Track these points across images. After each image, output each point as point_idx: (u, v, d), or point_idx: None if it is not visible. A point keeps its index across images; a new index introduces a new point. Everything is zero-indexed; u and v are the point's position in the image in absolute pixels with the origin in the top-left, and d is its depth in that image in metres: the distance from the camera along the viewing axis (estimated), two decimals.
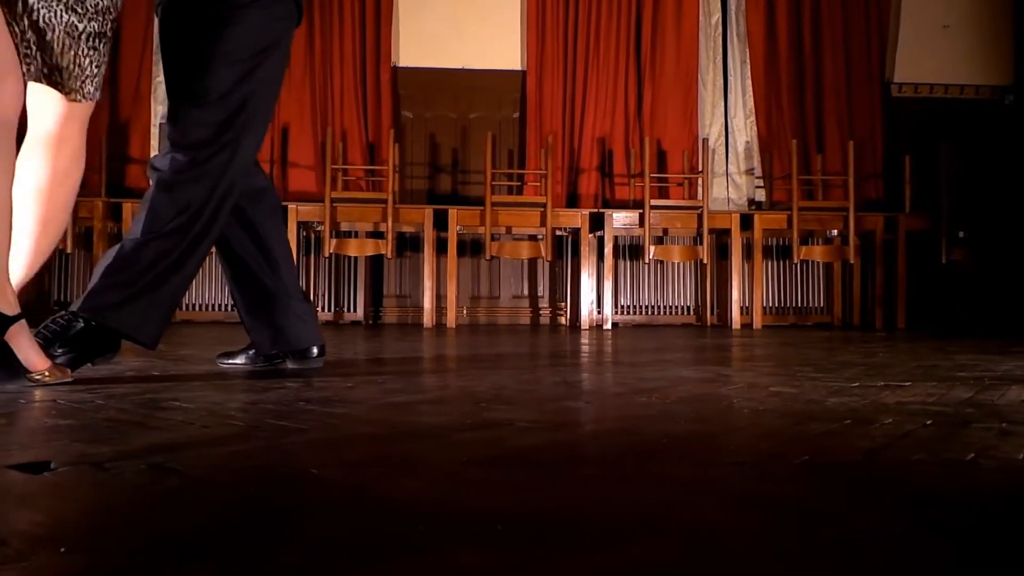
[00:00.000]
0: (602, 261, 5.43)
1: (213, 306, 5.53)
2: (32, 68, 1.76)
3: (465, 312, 5.74)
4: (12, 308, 1.65)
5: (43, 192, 1.83)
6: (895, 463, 0.95)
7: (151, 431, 1.14)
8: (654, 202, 5.20)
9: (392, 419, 1.31)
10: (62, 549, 0.60)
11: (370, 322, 5.68)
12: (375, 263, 5.75)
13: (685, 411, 1.40)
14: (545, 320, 5.88)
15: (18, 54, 1.70)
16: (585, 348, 3.26)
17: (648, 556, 0.61)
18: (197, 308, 5.50)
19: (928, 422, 1.27)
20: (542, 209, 5.16)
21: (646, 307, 5.86)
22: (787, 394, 1.65)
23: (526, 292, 5.93)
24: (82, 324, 1.84)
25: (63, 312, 1.89)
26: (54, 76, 1.79)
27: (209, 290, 5.52)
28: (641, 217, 5.19)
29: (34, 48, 1.76)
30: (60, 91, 1.80)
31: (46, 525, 0.68)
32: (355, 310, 5.65)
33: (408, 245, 5.74)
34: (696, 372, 2.17)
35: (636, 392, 1.67)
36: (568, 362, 2.61)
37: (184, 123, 1.98)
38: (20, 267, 1.81)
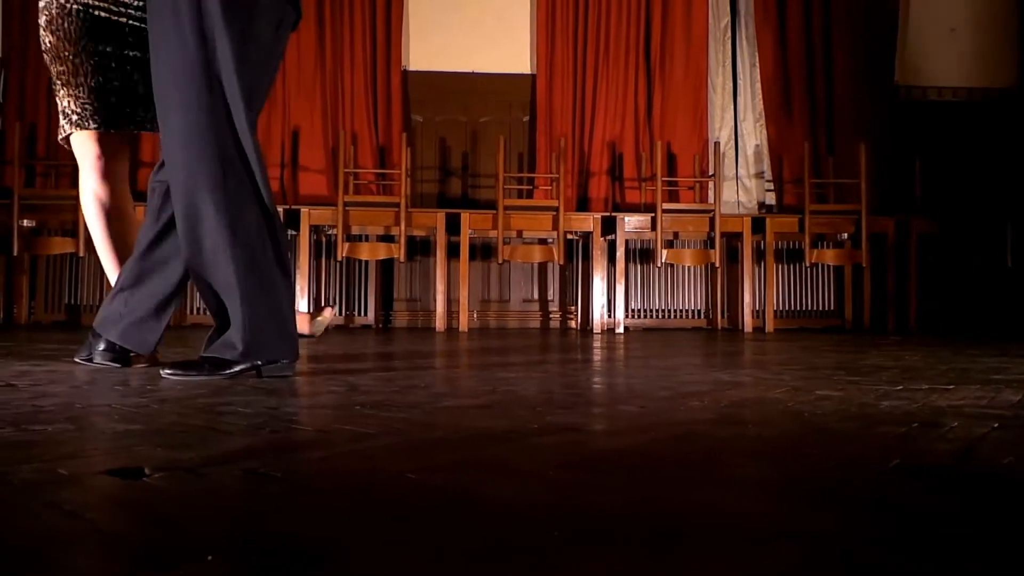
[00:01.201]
0: (613, 265, 5.44)
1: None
2: None
3: (475, 316, 5.74)
4: None
5: None
6: (989, 466, 0.95)
7: (225, 436, 1.14)
8: (666, 206, 5.21)
9: (455, 424, 1.31)
10: (209, 557, 0.59)
11: (380, 326, 5.67)
12: (385, 267, 5.75)
13: (745, 415, 1.40)
14: (555, 324, 5.88)
15: None
16: (607, 352, 3.26)
17: (792, 558, 0.60)
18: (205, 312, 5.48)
19: (995, 425, 1.27)
20: (554, 213, 5.17)
21: (656, 311, 5.87)
22: (836, 397, 1.65)
23: (536, 296, 5.93)
24: None
25: None
26: None
27: None
28: (653, 221, 5.19)
29: None
30: None
31: (175, 532, 0.68)
32: (366, 314, 5.65)
33: (418, 249, 5.73)
34: (732, 376, 2.17)
35: (684, 396, 1.67)
36: (599, 366, 2.61)
37: None
38: None
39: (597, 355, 3.09)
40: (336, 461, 0.98)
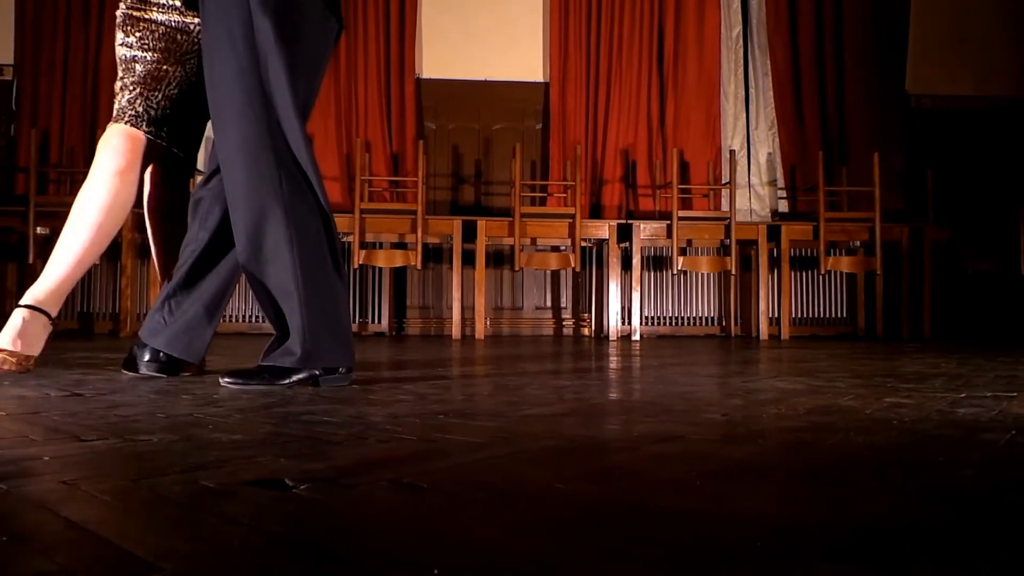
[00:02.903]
0: (627, 272, 5.44)
1: (237, 317, 5.49)
2: None
3: (488, 323, 5.73)
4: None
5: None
6: None
7: (335, 446, 1.13)
8: (682, 213, 5.22)
9: (554, 432, 1.30)
10: (436, 571, 0.59)
11: (394, 333, 5.66)
12: (398, 274, 5.74)
13: (836, 423, 1.40)
14: (568, 331, 5.87)
15: None
16: (638, 359, 3.25)
17: None
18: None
19: None
20: (570, 220, 5.17)
21: (669, 318, 5.87)
22: (909, 405, 1.65)
23: (548, 303, 5.93)
24: None
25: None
26: None
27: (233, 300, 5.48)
28: (669, 228, 5.20)
29: None
30: None
31: (379, 545, 0.67)
32: (379, 321, 5.63)
33: (431, 256, 5.72)
34: (787, 383, 2.17)
35: (756, 404, 1.67)
36: (641, 372, 2.60)
37: None
38: None
39: (630, 362, 3.08)
40: (468, 471, 0.97)
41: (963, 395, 1.85)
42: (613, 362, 3.14)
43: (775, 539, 0.68)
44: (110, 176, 2.15)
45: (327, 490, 0.86)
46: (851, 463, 1.04)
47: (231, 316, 5.47)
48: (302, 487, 0.86)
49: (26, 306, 2.09)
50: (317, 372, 1.95)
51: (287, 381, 1.93)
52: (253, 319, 5.44)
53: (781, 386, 2.08)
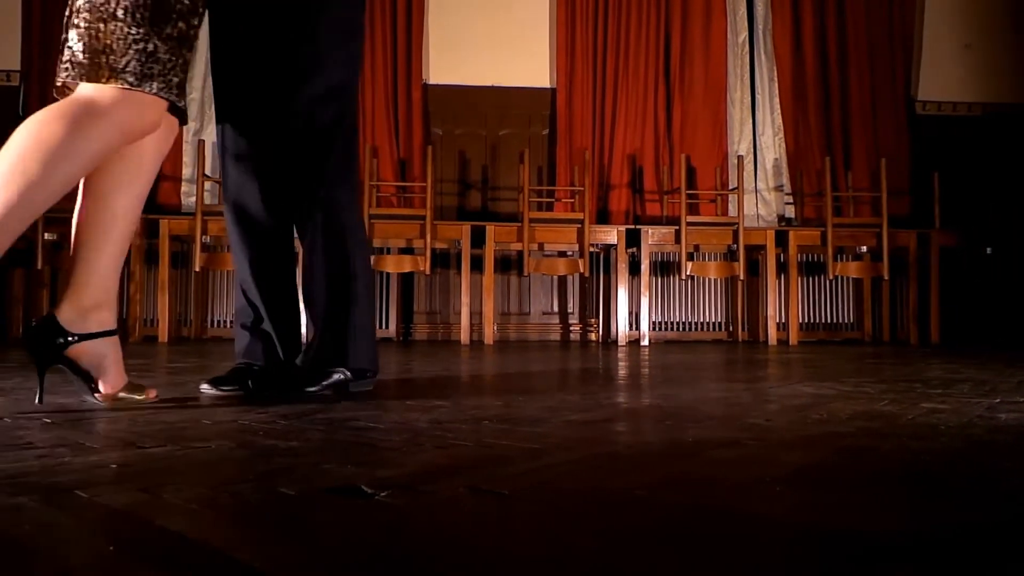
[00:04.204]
0: (635, 277, 5.45)
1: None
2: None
3: (495, 328, 5.72)
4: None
5: None
6: None
7: (395, 453, 1.13)
8: (690, 218, 5.23)
9: (607, 437, 1.30)
10: None
11: (401, 339, 5.65)
12: (405, 280, 5.74)
13: (882, 428, 1.40)
14: (575, 336, 5.87)
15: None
16: (658, 366, 3.25)
17: None
18: (224, 324, 5.44)
19: None
20: (579, 225, 5.17)
21: (676, 323, 5.88)
22: (948, 410, 1.66)
23: (555, 308, 5.93)
24: None
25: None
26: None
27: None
28: (677, 233, 5.21)
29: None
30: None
31: (480, 554, 0.67)
32: (387, 327, 5.62)
33: (438, 261, 5.72)
34: (816, 388, 2.17)
35: (794, 409, 1.67)
36: (666, 377, 2.60)
37: None
38: None
39: (649, 367, 3.08)
40: (539, 477, 0.97)
41: (997, 400, 1.85)
42: (632, 368, 3.14)
43: (871, 547, 0.68)
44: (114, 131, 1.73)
45: (409, 498, 0.86)
46: (919, 469, 1.05)
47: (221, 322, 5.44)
48: (382, 494, 0.86)
49: None
50: (349, 375, 1.95)
51: (326, 383, 1.93)
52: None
53: (810, 391, 2.08)
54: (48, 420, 1.43)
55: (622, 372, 2.89)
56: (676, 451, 1.16)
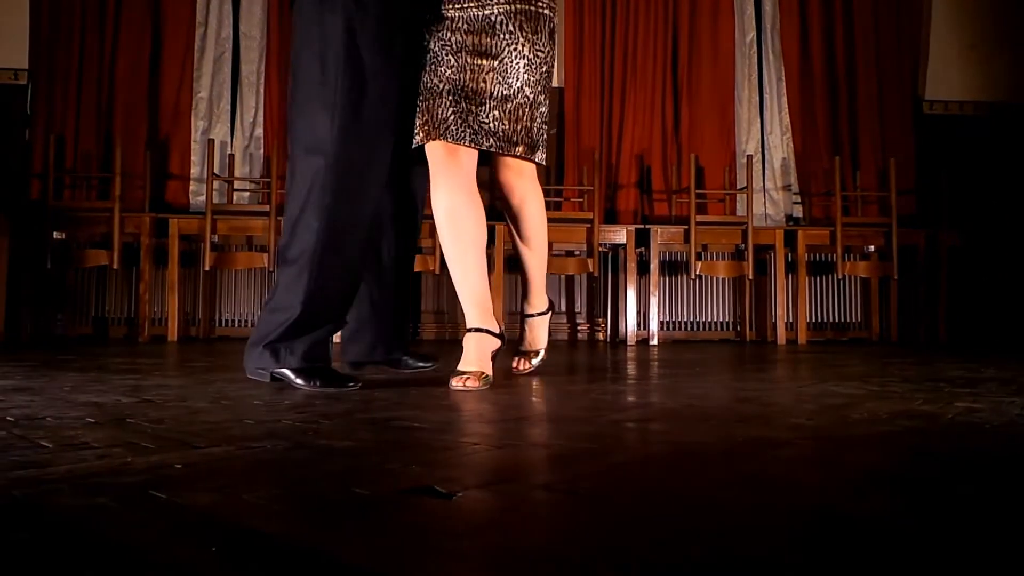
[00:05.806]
0: (644, 276, 5.44)
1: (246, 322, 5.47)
2: None
3: (504, 328, 5.71)
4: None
5: None
6: None
7: (456, 453, 1.12)
8: (699, 218, 5.23)
9: (659, 437, 1.30)
10: None
11: (409, 337, 5.63)
12: (413, 279, 5.72)
13: (927, 427, 1.41)
14: (583, 336, 5.87)
15: None
16: (676, 366, 3.25)
17: None
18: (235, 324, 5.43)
19: None
20: (588, 225, 5.17)
21: (684, 323, 5.88)
22: (984, 409, 1.66)
23: (563, 308, 5.92)
24: None
25: None
26: None
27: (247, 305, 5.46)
28: (686, 233, 5.21)
29: None
30: None
31: (589, 552, 0.67)
32: None
33: (442, 262, 5.71)
34: (844, 388, 2.17)
35: (831, 409, 1.67)
36: (689, 377, 2.59)
37: None
38: None
39: (670, 368, 3.08)
40: (609, 477, 0.97)
41: None
42: (650, 367, 3.14)
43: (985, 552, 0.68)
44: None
45: (490, 498, 0.85)
46: (992, 470, 1.04)
47: (230, 321, 5.45)
48: (459, 495, 0.86)
49: (474, 329, 2.24)
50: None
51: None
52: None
53: (840, 391, 2.08)
54: (91, 420, 1.42)
55: (643, 371, 2.89)
56: (735, 451, 1.16)
